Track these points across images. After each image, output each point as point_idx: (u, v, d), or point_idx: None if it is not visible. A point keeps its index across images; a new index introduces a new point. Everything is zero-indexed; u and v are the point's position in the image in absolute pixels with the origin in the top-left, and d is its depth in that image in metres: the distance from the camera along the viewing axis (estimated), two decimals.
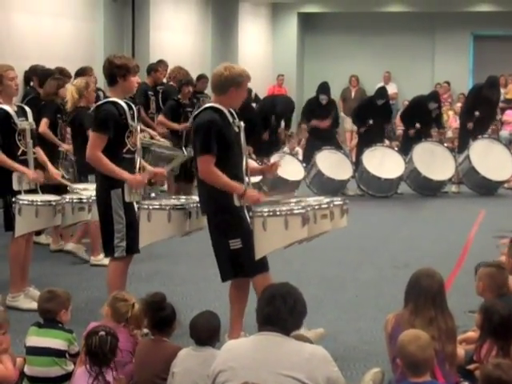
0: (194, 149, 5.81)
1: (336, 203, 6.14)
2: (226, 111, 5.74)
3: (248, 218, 5.74)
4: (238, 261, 5.71)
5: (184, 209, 6.08)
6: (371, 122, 13.73)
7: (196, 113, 5.87)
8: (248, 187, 5.77)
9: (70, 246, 8.61)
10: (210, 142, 5.60)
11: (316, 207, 5.95)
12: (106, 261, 8.40)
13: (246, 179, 5.82)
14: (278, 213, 5.72)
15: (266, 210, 5.76)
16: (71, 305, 5.18)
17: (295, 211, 5.76)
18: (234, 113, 5.84)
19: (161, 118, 11.63)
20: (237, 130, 5.80)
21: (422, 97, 14.49)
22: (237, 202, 5.67)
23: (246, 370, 3.84)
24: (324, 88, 14.22)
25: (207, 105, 5.83)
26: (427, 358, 4.11)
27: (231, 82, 5.73)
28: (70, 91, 8.75)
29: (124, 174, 6.03)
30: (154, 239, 6.18)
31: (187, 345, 4.83)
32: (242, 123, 5.86)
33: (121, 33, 15.99)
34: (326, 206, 6.04)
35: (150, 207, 6.05)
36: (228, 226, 5.69)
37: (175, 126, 11.33)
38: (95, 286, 7.46)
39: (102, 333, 4.52)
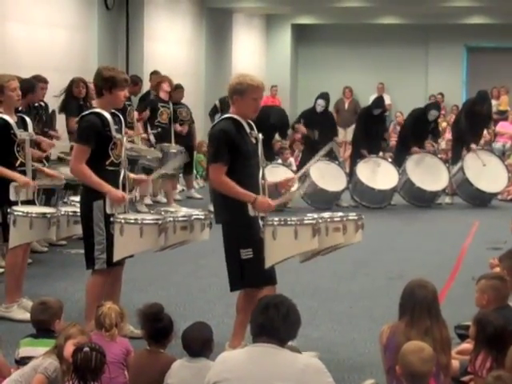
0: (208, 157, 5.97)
1: (350, 218, 6.10)
2: (243, 122, 5.76)
3: (261, 228, 5.73)
4: (248, 271, 5.69)
5: (156, 224, 5.97)
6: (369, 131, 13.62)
7: (214, 123, 5.92)
8: (264, 197, 5.76)
9: None
10: (221, 150, 5.64)
11: (328, 220, 5.92)
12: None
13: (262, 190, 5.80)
14: (288, 222, 5.71)
15: (276, 219, 5.75)
16: (63, 313, 5.15)
17: (305, 221, 5.75)
18: (251, 123, 5.85)
19: None
20: (254, 141, 5.82)
21: (421, 109, 14.32)
22: (251, 212, 5.66)
23: (241, 381, 3.82)
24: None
25: (226, 115, 5.85)
26: (426, 372, 4.09)
27: (233, 91, 5.77)
28: None
29: (106, 187, 5.97)
30: (126, 254, 6.06)
31: (180, 355, 4.81)
32: (260, 135, 5.87)
33: (115, 43, 16.01)
34: (338, 219, 6.02)
35: (123, 221, 5.93)
36: (241, 236, 5.69)
37: None
38: None
39: (87, 349, 4.42)
